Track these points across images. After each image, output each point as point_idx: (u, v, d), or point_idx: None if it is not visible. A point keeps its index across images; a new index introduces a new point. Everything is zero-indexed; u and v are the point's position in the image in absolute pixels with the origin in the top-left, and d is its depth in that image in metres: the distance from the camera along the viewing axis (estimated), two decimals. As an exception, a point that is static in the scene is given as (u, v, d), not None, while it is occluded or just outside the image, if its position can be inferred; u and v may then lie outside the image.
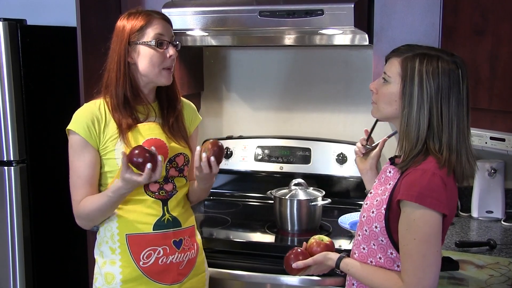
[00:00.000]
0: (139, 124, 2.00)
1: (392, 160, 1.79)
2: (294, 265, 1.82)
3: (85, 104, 2.05)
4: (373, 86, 1.76)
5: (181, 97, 2.17)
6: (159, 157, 1.86)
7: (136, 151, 1.83)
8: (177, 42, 2.05)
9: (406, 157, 1.66)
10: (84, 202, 1.97)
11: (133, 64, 2.00)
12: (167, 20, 2.03)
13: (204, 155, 1.93)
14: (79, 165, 1.97)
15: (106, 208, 1.95)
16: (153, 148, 1.86)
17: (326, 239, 1.88)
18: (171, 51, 1.99)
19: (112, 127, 1.98)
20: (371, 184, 1.92)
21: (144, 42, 1.97)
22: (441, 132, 1.62)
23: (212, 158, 1.93)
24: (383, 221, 1.67)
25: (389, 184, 1.71)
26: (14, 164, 2.68)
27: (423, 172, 1.60)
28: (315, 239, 1.89)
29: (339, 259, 1.77)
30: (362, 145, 2.02)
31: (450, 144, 1.63)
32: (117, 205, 1.98)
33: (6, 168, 2.67)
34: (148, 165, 1.81)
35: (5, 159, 2.67)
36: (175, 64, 2.08)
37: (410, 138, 1.64)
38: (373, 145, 2.01)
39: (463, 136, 1.66)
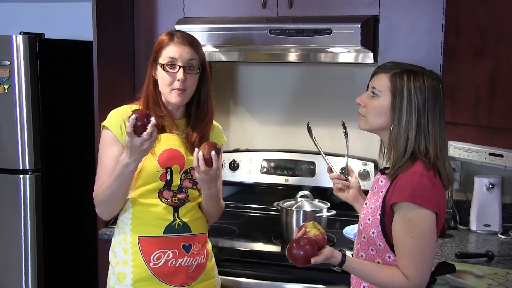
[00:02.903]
0: (161, 134, 2.09)
1: (382, 171, 1.89)
2: (313, 260, 1.76)
3: (122, 105, 2.15)
4: (361, 100, 1.86)
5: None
6: (152, 119, 1.89)
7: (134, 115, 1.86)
8: (196, 66, 2.09)
9: (394, 165, 1.78)
10: (98, 188, 2.06)
11: (157, 80, 2.12)
12: (186, 44, 2.09)
13: (200, 153, 1.96)
14: (106, 158, 2.08)
15: (115, 185, 1.99)
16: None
17: (321, 229, 1.88)
18: (180, 75, 2.06)
19: None
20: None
21: (159, 62, 2.08)
22: (428, 140, 1.76)
23: (201, 153, 1.95)
24: (379, 226, 1.78)
25: (381, 192, 1.82)
26: (29, 173, 2.77)
27: (412, 174, 1.72)
28: (315, 228, 1.86)
29: (344, 257, 1.80)
30: (341, 180, 2.15)
31: (436, 151, 1.76)
32: (125, 184, 2.00)
33: (21, 176, 2.75)
34: (153, 120, 1.86)
35: (20, 168, 2.75)
36: (209, 89, 2.16)
37: (399, 147, 1.76)
38: (346, 176, 2.16)
39: (445, 144, 1.80)
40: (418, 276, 1.70)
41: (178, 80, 2.06)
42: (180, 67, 2.07)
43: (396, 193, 1.73)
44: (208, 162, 1.96)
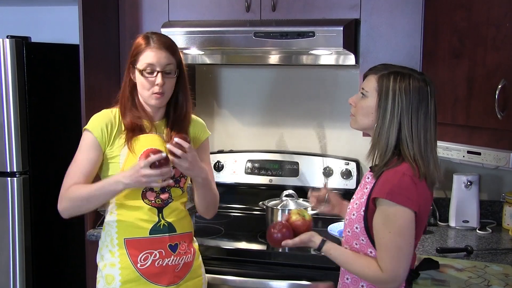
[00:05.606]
0: (141, 135, 2.13)
1: (372, 168, 1.96)
2: (283, 243, 1.91)
3: (103, 110, 2.18)
4: (352, 100, 1.94)
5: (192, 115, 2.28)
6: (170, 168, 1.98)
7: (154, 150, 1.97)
8: (173, 70, 2.12)
9: (378, 164, 1.85)
10: (74, 187, 2.06)
11: (135, 82, 2.15)
12: (163, 49, 2.10)
13: (169, 145, 2.01)
14: (82, 158, 2.11)
15: (92, 196, 2.05)
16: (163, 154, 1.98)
17: (307, 216, 1.99)
18: (158, 80, 2.08)
19: (122, 135, 2.12)
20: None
21: (137, 68, 2.11)
22: (412, 142, 1.81)
23: (169, 145, 2.01)
24: (362, 222, 1.85)
25: (366, 188, 1.89)
26: (17, 175, 2.78)
27: (394, 172, 1.79)
28: (298, 214, 1.99)
29: (323, 242, 1.90)
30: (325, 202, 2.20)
31: (420, 152, 1.81)
32: (102, 201, 2.08)
33: (9, 179, 2.76)
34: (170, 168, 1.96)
35: (8, 170, 2.76)
36: (187, 91, 2.20)
37: (380, 146, 1.83)
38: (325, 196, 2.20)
39: (430, 147, 1.85)
40: (392, 270, 1.77)
41: (157, 84, 2.08)
42: (158, 72, 2.09)
43: (378, 188, 1.80)
44: (177, 147, 2.00)
